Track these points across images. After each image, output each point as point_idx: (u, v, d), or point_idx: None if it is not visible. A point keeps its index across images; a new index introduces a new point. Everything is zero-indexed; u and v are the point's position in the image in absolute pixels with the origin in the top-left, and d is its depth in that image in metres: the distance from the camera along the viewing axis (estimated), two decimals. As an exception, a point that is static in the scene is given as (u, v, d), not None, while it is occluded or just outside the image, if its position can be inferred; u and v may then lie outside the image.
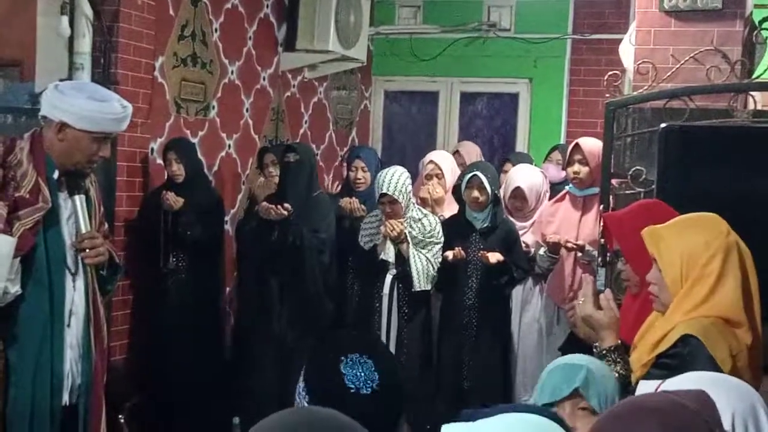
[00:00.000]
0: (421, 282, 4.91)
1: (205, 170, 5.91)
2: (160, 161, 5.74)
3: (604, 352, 2.60)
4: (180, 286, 5.35)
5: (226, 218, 6.05)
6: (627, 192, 4.63)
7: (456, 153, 6.41)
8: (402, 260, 4.94)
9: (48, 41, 5.16)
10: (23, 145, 3.09)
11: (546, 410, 1.78)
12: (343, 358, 1.80)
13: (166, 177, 5.53)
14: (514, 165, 5.99)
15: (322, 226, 5.22)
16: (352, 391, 1.77)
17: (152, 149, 5.68)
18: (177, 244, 5.33)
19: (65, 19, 5.04)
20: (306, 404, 1.78)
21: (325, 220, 5.26)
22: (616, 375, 2.50)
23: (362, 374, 1.78)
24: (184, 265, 5.37)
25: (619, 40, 5.48)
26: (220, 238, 5.59)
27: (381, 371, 1.80)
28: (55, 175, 3.12)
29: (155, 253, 5.35)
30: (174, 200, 5.26)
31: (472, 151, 6.50)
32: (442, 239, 5.02)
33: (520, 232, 5.22)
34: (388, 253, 4.95)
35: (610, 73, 4.80)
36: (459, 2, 8.04)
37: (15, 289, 2.95)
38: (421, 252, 4.93)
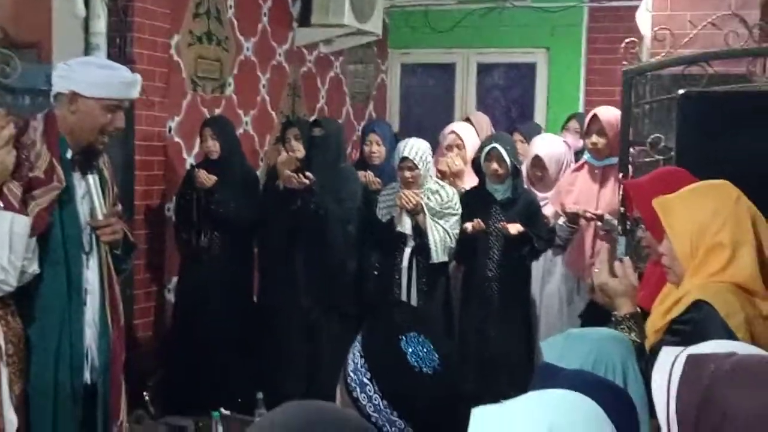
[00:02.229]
0: (438, 253, 4.90)
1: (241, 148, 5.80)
2: (177, 139, 5.76)
3: (619, 319, 2.59)
4: (212, 264, 5.36)
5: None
6: (646, 160, 4.61)
7: (467, 121, 6.40)
8: (419, 232, 4.94)
9: (64, 22, 5.16)
10: (37, 126, 3.10)
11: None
12: (402, 336, 1.79)
13: (195, 154, 5.58)
14: (523, 136, 5.98)
15: (348, 196, 5.24)
16: (415, 370, 1.76)
17: (170, 128, 5.69)
18: (210, 222, 5.34)
19: (80, 0, 5.05)
20: (366, 380, 1.78)
21: (352, 191, 5.28)
22: (632, 342, 2.49)
23: (423, 353, 1.78)
24: (216, 243, 5.38)
25: (637, 7, 5.42)
26: (253, 215, 5.56)
27: (440, 351, 1.80)
28: (69, 154, 3.13)
29: (187, 230, 5.39)
30: (206, 177, 5.27)
31: (483, 121, 6.47)
32: (460, 210, 5.01)
33: (542, 203, 5.20)
34: (405, 225, 4.95)
35: (628, 40, 4.76)
36: (474, -28, 7.98)
37: (32, 268, 2.98)
38: (438, 223, 4.93)
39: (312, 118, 6.42)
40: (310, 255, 5.23)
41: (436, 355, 1.79)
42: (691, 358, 1.51)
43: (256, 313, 5.60)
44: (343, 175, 5.34)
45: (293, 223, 5.23)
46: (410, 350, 1.78)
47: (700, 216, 2.48)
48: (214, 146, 5.39)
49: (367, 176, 5.45)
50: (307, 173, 5.12)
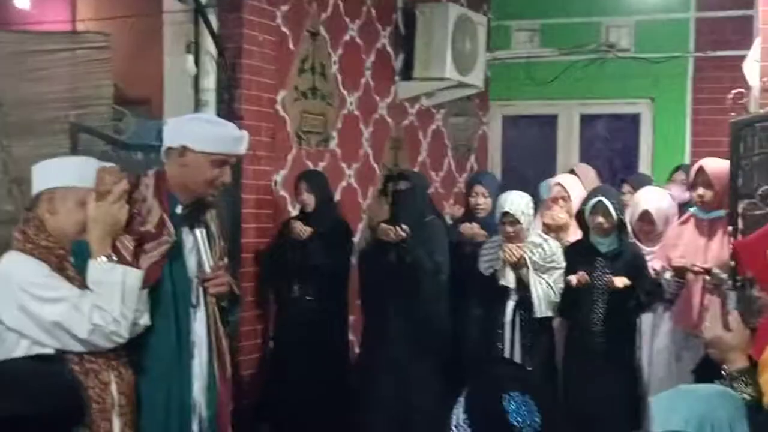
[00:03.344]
0: (542, 308, 4.85)
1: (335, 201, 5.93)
2: (283, 193, 5.86)
3: (734, 374, 2.52)
4: (306, 315, 5.43)
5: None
6: (756, 213, 4.49)
7: (571, 173, 6.34)
8: (522, 286, 4.90)
9: (174, 79, 5.36)
10: (148, 182, 3.19)
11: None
12: (504, 395, 1.81)
13: (299, 207, 5.66)
14: (633, 187, 5.89)
15: (437, 249, 5.24)
16: (516, 429, 1.77)
17: (275, 181, 5.80)
18: (303, 273, 5.41)
19: (191, 58, 5.24)
20: None
21: (440, 243, 5.29)
22: (747, 397, 2.42)
23: (525, 413, 1.80)
24: (310, 294, 5.44)
25: (743, 57, 5.34)
26: (346, 267, 5.64)
27: (542, 410, 1.81)
28: (178, 209, 3.21)
29: (284, 282, 5.46)
30: (301, 229, 5.36)
31: (588, 173, 6.40)
32: (563, 264, 4.95)
33: (648, 257, 5.10)
34: (508, 279, 4.92)
35: (735, 91, 4.68)
36: (576, 24, 7.97)
37: (143, 320, 3.05)
38: (541, 277, 4.88)
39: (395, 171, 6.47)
40: (402, 306, 5.24)
41: (538, 415, 1.79)
42: None
43: (349, 364, 5.63)
44: (430, 227, 5.36)
45: (388, 275, 5.25)
46: (512, 408, 1.78)
47: None
48: (308, 199, 5.49)
49: (472, 228, 5.44)
50: (404, 226, 5.15)
